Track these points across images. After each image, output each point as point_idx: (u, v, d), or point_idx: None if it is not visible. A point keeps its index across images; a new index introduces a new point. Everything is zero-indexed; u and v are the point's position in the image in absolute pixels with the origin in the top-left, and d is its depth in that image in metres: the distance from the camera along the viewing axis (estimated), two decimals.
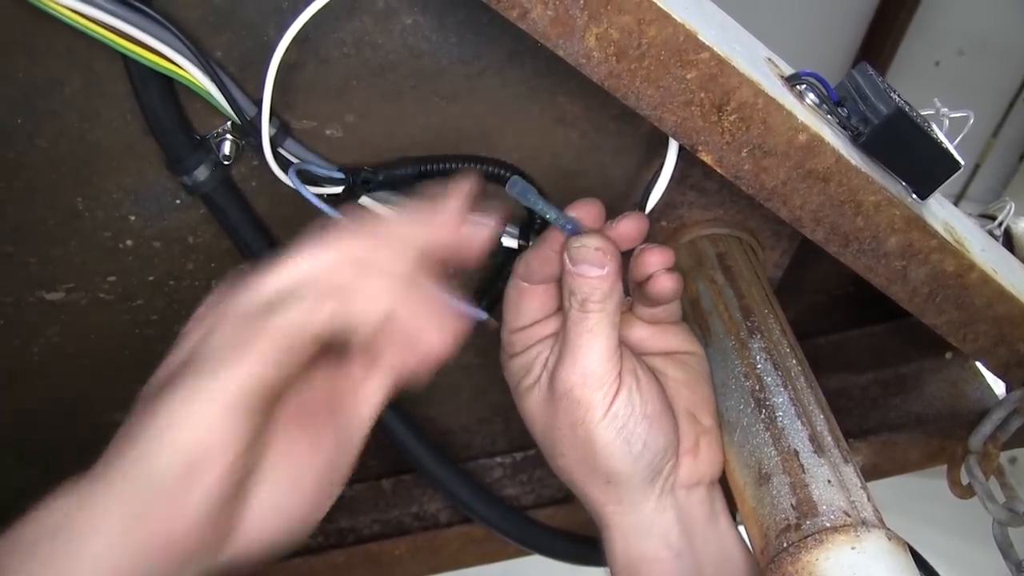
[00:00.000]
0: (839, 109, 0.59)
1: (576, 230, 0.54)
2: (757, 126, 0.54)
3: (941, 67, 2.53)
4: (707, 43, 0.51)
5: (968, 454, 0.71)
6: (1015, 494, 0.68)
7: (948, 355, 0.79)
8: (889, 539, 0.50)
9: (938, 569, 0.60)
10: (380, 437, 0.72)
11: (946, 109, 0.68)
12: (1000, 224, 0.78)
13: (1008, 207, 0.79)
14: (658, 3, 0.49)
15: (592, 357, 0.53)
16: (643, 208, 0.61)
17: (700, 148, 0.54)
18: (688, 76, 0.51)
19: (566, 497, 0.73)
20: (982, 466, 0.69)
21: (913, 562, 0.50)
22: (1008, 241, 0.78)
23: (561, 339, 0.54)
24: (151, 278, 0.63)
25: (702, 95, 0.52)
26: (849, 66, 2.44)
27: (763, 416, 0.58)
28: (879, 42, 2.44)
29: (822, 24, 2.44)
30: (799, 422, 0.57)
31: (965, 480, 0.72)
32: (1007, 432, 0.69)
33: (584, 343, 0.53)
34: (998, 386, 0.76)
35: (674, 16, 0.49)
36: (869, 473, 0.75)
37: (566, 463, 0.56)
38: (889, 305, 0.64)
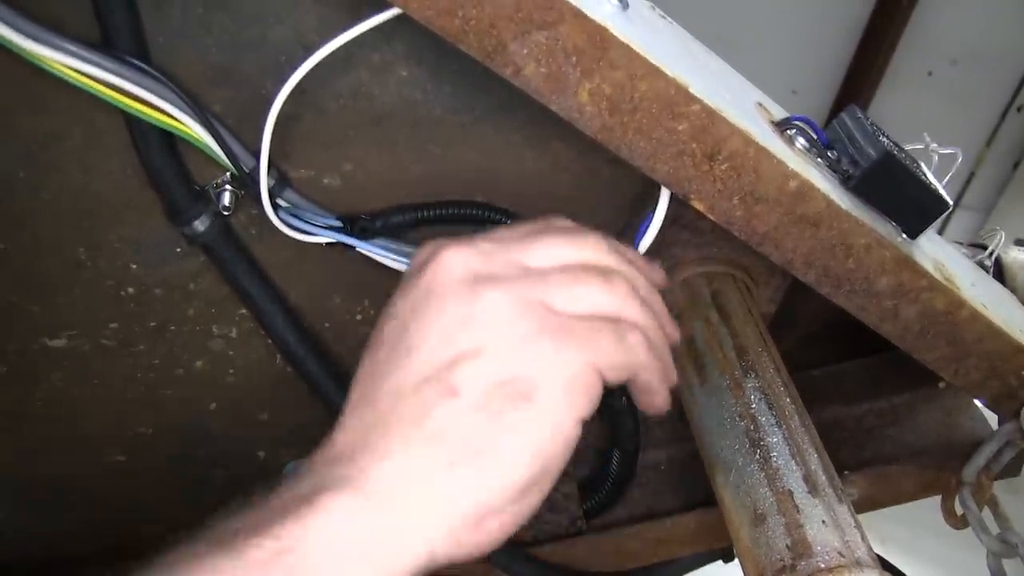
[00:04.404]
0: (829, 152, 0.60)
1: None
2: (748, 174, 0.55)
3: (934, 77, 2.53)
4: (697, 95, 0.52)
5: (962, 485, 0.71)
6: (1009, 525, 0.68)
7: (941, 384, 0.80)
8: None
9: None
10: None
11: (935, 145, 0.69)
12: (991, 254, 0.79)
13: (999, 236, 0.80)
14: (649, 58, 0.50)
15: None
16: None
17: (692, 196, 0.55)
18: (679, 128, 0.52)
19: (566, 534, 0.73)
20: (976, 497, 0.70)
21: None
22: (999, 271, 0.79)
23: None
24: (152, 324, 0.64)
25: (693, 145, 0.53)
26: (842, 78, 2.47)
27: (758, 456, 0.58)
28: (872, 53, 2.45)
29: (815, 36, 2.45)
30: (793, 462, 0.58)
31: (959, 511, 0.72)
32: (1000, 463, 0.70)
33: None
34: (991, 414, 0.77)
35: (665, 70, 0.50)
36: (864, 505, 0.76)
37: None
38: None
